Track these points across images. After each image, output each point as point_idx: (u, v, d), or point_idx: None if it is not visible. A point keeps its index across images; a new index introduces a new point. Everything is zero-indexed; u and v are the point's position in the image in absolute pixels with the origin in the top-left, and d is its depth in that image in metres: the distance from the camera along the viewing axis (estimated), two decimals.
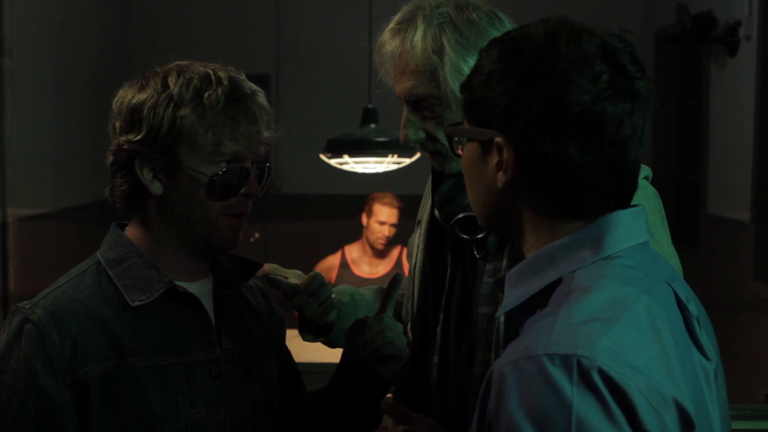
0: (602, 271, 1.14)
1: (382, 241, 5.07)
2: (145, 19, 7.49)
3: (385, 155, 4.37)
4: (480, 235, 1.72)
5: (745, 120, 5.44)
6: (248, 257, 1.71)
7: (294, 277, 1.86)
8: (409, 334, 1.90)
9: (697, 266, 6.06)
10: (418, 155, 4.44)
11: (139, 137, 1.52)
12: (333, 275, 5.11)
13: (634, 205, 1.21)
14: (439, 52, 1.67)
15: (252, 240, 7.45)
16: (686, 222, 6.61)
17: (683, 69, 6.86)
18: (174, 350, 1.55)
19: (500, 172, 1.18)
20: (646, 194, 1.68)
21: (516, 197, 1.19)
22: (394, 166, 4.49)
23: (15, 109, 4.89)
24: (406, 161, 4.46)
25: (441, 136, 1.70)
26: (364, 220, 5.13)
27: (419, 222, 1.95)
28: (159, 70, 1.57)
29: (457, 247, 1.81)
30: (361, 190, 5.44)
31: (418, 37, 1.68)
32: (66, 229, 5.63)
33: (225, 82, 1.55)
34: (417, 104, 1.72)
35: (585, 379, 1.03)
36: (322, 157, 4.53)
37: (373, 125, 4.44)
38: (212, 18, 7.55)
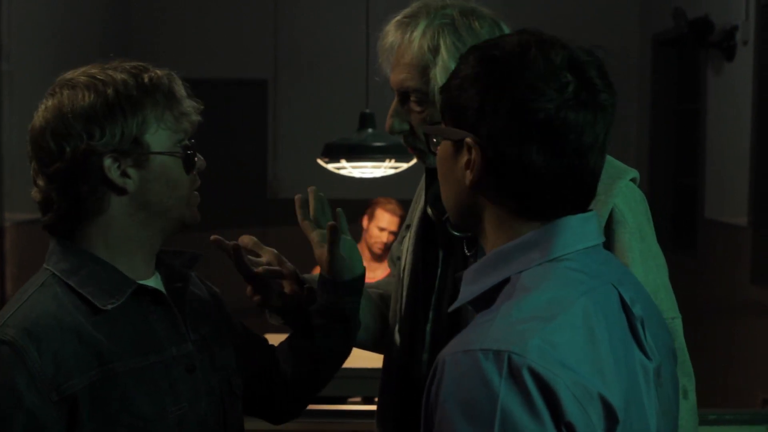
0: (546, 273, 1.21)
1: (380, 247, 5.07)
2: (144, 24, 7.50)
3: (382, 160, 4.38)
4: (471, 232, 1.74)
5: (742, 124, 5.45)
6: (186, 249, 1.70)
7: (268, 254, 1.85)
8: (396, 335, 1.92)
9: (694, 270, 6.06)
10: (415, 160, 4.43)
11: (102, 139, 1.49)
12: None
13: (588, 210, 1.28)
14: (434, 50, 1.73)
15: None
16: (684, 226, 6.61)
17: (680, 73, 6.87)
18: (150, 349, 1.53)
19: (468, 171, 1.24)
20: (634, 197, 1.71)
21: (481, 196, 1.26)
22: (392, 171, 4.49)
23: (13, 112, 4.89)
24: (404, 166, 4.46)
25: (421, 132, 1.77)
26: (365, 223, 5.12)
27: (408, 226, 1.98)
28: (71, 75, 1.55)
29: (448, 245, 1.83)
30: (359, 195, 5.45)
31: (418, 32, 1.74)
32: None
33: (150, 67, 1.56)
34: (405, 97, 1.78)
35: (514, 374, 1.11)
36: (320, 161, 4.54)
37: (370, 130, 4.44)
38: (211, 22, 7.56)
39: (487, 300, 1.24)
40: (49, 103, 1.52)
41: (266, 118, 7.62)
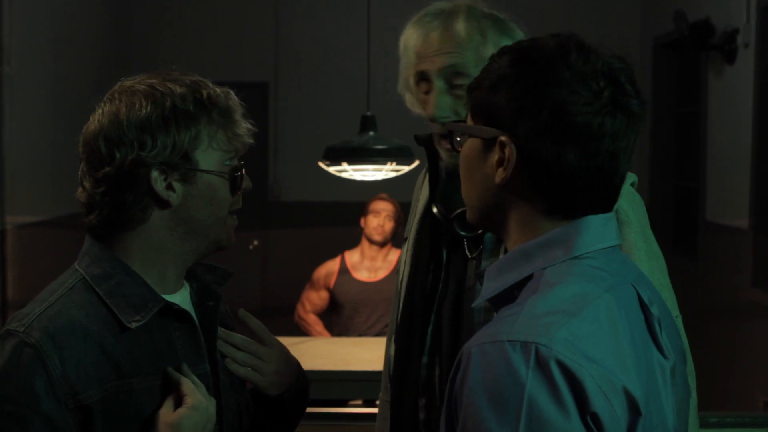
0: (570, 269, 1.24)
1: (379, 232, 5.08)
2: (144, 28, 7.50)
3: (383, 163, 4.38)
4: (479, 231, 1.75)
5: (743, 127, 5.45)
6: (217, 264, 1.71)
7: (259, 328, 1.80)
8: (392, 345, 1.93)
9: (695, 273, 6.06)
10: (416, 163, 4.44)
11: (154, 151, 1.49)
12: (332, 281, 5.12)
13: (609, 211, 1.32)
14: (483, 33, 1.78)
15: (251, 247, 7.44)
16: (685, 229, 6.61)
17: (681, 76, 6.87)
18: (170, 366, 1.54)
19: (500, 169, 1.26)
20: (634, 200, 1.76)
21: (510, 194, 1.28)
22: (393, 174, 4.49)
23: (14, 116, 4.89)
24: (405, 169, 4.47)
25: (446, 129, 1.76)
26: (362, 221, 5.16)
27: (406, 239, 1.98)
28: (130, 83, 1.55)
29: (452, 247, 1.84)
30: (360, 198, 5.45)
31: (462, 19, 1.79)
32: (64, 236, 5.63)
33: (210, 83, 1.56)
34: (451, 79, 1.78)
35: (541, 365, 1.13)
36: (321, 164, 4.54)
37: (371, 133, 4.45)
38: (211, 26, 7.56)
39: (507, 297, 1.27)
40: (107, 108, 1.53)
41: (267, 121, 7.63)
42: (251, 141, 1.59)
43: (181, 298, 1.61)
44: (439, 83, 1.78)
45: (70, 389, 1.44)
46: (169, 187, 1.52)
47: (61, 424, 1.43)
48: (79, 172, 1.55)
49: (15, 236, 4.92)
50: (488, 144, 1.28)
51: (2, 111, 4.81)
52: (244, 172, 1.59)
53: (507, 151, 1.24)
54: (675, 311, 1.73)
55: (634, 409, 1.18)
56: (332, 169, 4.52)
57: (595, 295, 1.21)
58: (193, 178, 1.53)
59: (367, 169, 4.47)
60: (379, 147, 4.34)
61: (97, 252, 1.55)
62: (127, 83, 1.56)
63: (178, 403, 1.49)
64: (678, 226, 6.78)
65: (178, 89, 1.52)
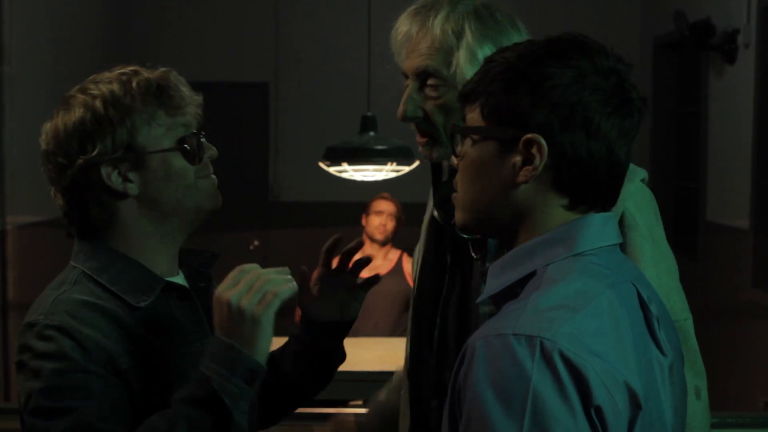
0: (572, 266, 1.26)
1: (380, 231, 5.07)
2: (144, 28, 7.50)
3: (384, 163, 4.38)
4: (494, 236, 1.74)
5: (744, 127, 5.45)
6: (204, 249, 1.74)
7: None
8: (408, 345, 1.93)
9: (695, 273, 6.06)
10: (417, 163, 4.44)
11: (95, 151, 1.53)
12: None
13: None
14: (458, 34, 1.73)
15: (251, 247, 7.44)
16: (685, 229, 6.61)
17: (682, 76, 6.87)
18: (178, 342, 1.58)
19: (527, 168, 1.27)
20: (644, 198, 1.72)
21: (531, 193, 1.28)
22: (393, 174, 4.49)
23: (14, 116, 4.89)
24: (405, 169, 4.47)
25: (437, 118, 1.74)
26: (364, 220, 5.16)
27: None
28: (71, 92, 1.59)
29: (455, 249, 1.82)
30: (360, 198, 5.45)
31: (440, 18, 1.74)
32: (64, 236, 5.64)
33: (141, 70, 1.58)
34: (424, 80, 1.75)
35: (546, 358, 1.15)
36: (321, 164, 4.54)
37: (372, 133, 4.45)
38: (211, 26, 7.57)
39: (510, 293, 1.29)
40: (48, 126, 1.58)
41: (267, 121, 7.63)
42: (197, 110, 1.60)
43: (180, 281, 1.64)
44: (411, 84, 1.77)
45: (106, 355, 1.47)
46: (126, 179, 1.55)
47: (114, 381, 1.46)
48: (52, 191, 1.60)
49: (15, 236, 4.92)
50: (507, 145, 1.28)
51: (2, 111, 4.81)
52: (203, 141, 1.60)
53: (535, 149, 1.25)
54: (685, 314, 1.70)
55: (634, 403, 1.20)
56: (332, 170, 4.52)
57: (598, 292, 1.23)
58: (145, 163, 1.55)
59: (367, 170, 4.47)
60: (380, 147, 4.34)
61: (90, 248, 1.59)
62: (67, 93, 1.60)
63: None
64: (678, 226, 6.78)
65: (106, 87, 1.55)
